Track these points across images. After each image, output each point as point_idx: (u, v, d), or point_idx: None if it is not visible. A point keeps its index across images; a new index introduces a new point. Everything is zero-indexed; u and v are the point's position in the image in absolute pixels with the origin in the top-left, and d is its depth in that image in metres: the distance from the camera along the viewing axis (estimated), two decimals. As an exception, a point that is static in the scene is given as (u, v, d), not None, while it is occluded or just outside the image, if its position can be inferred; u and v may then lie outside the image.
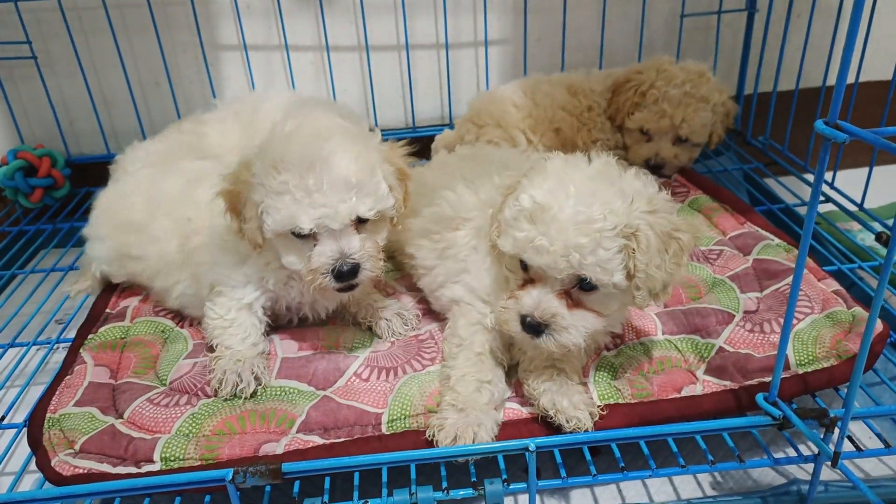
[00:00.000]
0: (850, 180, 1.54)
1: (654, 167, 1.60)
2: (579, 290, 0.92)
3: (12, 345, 1.33)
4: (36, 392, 1.19)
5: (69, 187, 1.82)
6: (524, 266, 0.94)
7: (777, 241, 1.35)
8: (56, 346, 1.33)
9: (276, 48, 1.83)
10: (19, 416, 1.17)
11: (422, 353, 1.14)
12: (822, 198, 1.61)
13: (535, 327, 0.92)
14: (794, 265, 1.24)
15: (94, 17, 1.74)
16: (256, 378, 1.06)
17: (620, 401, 1.01)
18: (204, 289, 1.16)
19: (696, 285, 1.25)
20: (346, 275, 1.00)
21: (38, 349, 1.37)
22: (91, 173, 1.87)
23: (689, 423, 0.92)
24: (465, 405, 0.96)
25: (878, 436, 0.98)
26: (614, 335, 1.14)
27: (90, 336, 1.24)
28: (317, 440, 0.99)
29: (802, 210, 1.60)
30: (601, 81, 1.67)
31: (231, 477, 0.86)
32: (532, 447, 0.87)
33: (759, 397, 0.92)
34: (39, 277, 1.54)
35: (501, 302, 0.97)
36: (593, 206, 0.88)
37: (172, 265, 1.21)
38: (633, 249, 0.88)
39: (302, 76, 1.85)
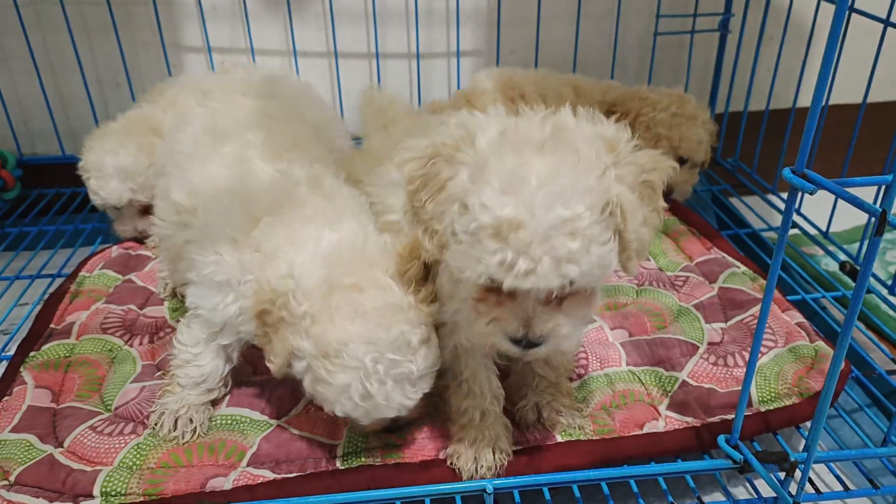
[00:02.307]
0: (816, 202, 1.54)
1: (665, 193, 1.57)
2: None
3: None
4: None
5: (20, 189, 1.75)
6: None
7: (743, 268, 1.34)
8: (-1, 361, 1.27)
9: (242, 51, 1.78)
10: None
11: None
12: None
13: (532, 344, 0.78)
14: (759, 295, 1.24)
15: (52, 13, 1.67)
16: (193, 429, 1.00)
17: (582, 437, 0.98)
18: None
19: (662, 314, 1.24)
20: None
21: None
22: (45, 174, 1.80)
23: (650, 466, 0.91)
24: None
25: (838, 478, 0.97)
26: (578, 365, 1.12)
27: (32, 353, 1.18)
28: (267, 475, 0.94)
29: (769, 235, 1.60)
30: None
31: (173, 518, 0.82)
32: (489, 488, 0.85)
33: (721, 439, 0.91)
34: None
35: (479, 323, 0.78)
36: (571, 198, 0.70)
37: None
38: (621, 221, 0.74)
39: (268, 81, 1.80)
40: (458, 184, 0.76)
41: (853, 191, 0.66)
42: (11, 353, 1.25)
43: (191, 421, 1.00)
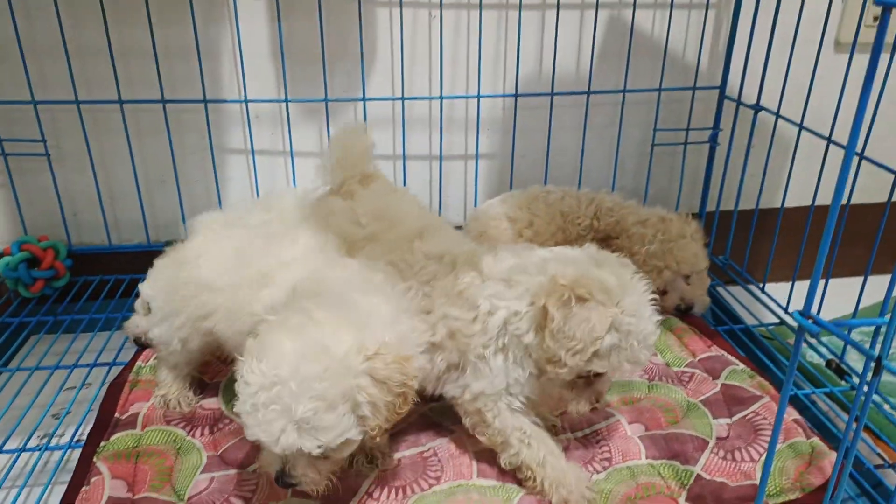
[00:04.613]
0: (802, 293, 1.71)
1: (686, 310, 1.71)
2: None
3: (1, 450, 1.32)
4: (35, 496, 1.24)
5: (69, 277, 1.87)
6: None
7: (742, 366, 1.50)
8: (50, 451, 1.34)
9: (281, 153, 1.95)
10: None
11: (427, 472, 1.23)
12: (776, 320, 1.79)
13: None
14: (758, 392, 1.40)
15: (109, 119, 1.83)
16: None
17: (613, 527, 1.11)
18: None
19: (674, 409, 1.38)
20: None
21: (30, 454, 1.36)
22: (91, 263, 1.93)
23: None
24: None
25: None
26: (602, 457, 1.26)
27: (102, 444, 1.29)
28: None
29: (761, 331, 1.76)
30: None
31: None
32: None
33: (740, 534, 1.04)
34: (26, 374, 1.54)
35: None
36: None
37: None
38: None
39: (303, 180, 1.96)
40: None
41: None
42: (64, 437, 1.37)
43: None
